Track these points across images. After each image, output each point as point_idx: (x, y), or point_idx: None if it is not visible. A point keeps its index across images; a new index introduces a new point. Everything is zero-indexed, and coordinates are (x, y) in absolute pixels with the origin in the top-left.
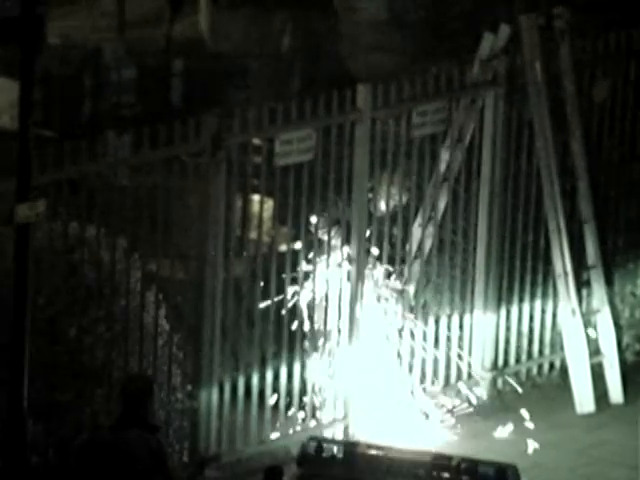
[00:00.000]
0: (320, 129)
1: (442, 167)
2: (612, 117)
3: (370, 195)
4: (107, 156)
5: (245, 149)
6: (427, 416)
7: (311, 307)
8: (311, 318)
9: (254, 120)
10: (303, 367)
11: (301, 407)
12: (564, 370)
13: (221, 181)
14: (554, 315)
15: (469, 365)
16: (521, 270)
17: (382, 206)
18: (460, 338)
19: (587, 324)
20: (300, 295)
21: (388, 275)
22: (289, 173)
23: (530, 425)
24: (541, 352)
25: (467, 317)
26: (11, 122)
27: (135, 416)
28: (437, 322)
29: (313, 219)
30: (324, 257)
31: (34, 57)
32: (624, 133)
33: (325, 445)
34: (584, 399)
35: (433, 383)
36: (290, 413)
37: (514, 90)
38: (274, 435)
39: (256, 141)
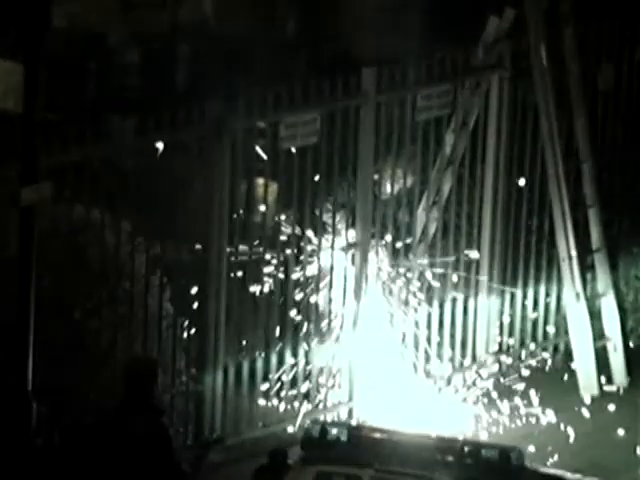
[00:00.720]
0: (325, 113)
1: (447, 151)
2: (617, 101)
3: (376, 177)
4: (112, 140)
5: (249, 133)
6: (431, 399)
7: (316, 290)
8: (316, 301)
9: (259, 104)
10: (308, 350)
11: (305, 390)
12: (568, 353)
13: (225, 165)
14: (558, 299)
15: (474, 348)
16: (525, 254)
17: (387, 190)
18: (465, 321)
19: (591, 308)
20: (305, 278)
21: (392, 258)
22: (293, 157)
23: (534, 408)
24: (545, 336)
25: (472, 300)
26: (15, 105)
27: (139, 399)
28: (442, 306)
29: (318, 203)
30: (329, 241)
31: (39, 40)
32: (629, 117)
33: (329, 428)
34: (588, 382)
35: (437, 366)
36: (294, 396)
37: (519, 74)
38: (278, 418)
39: (260, 125)
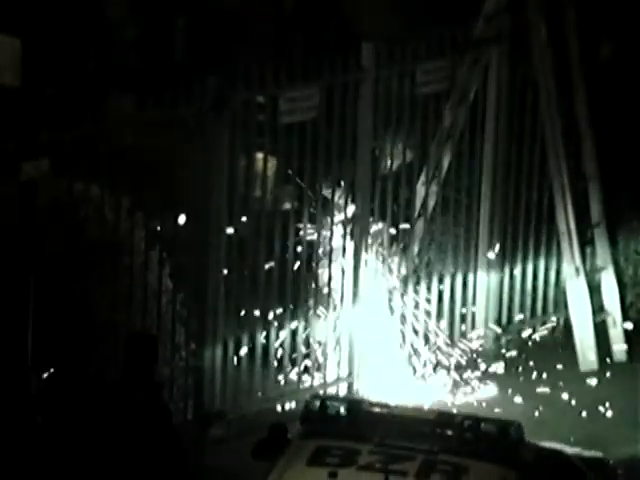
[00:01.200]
0: (324, 88)
1: (446, 125)
2: (617, 76)
3: (375, 152)
4: (111, 115)
5: (249, 107)
6: (431, 374)
7: (315, 265)
8: (315, 276)
9: (258, 78)
10: (307, 325)
11: (305, 365)
12: (568, 328)
13: (225, 139)
14: (558, 273)
15: (473, 323)
16: (525, 228)
17: (386, 165)
18: (464, 296)
19: (591, 282)
20: (304, 253)
21: (392, 234)
22: (293, 132)
23: (534, 383)
24: (545, 310)
25: (471, 275)
26: (13, 79)
27: (139, 374)
28: (441, 281)
29: (317, 178)
30: (328, 215)
31: (36, 14)
32: (629, 93)
33: (329, 403)
34: (587, 357)
35: (437, 341)
36: (294, 371)
37: (518, 49)
38: (278, 393)
39: (260, 99)
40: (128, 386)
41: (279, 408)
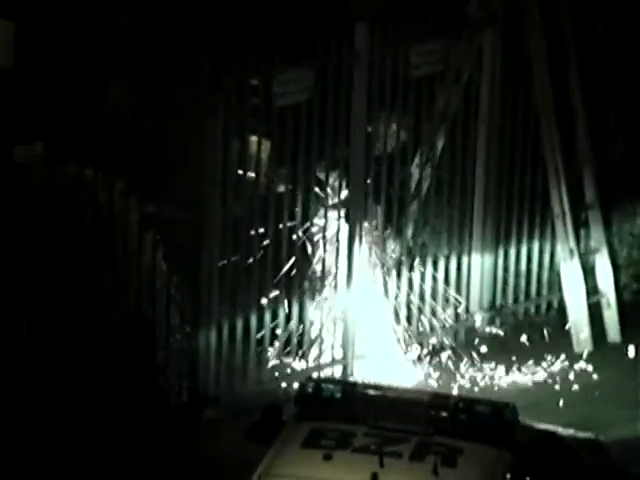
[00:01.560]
0: (318, 70)
1: (440, 107)
2: (611, 57)
3: (369, 134)
4: (106, 98)
5: (243, 90)
6: (425, 356)
7: (310, 248)
8: (310, 259)
9: (252, 60)
10: (302, 308)
11: (300, 348)
12: (562, 310)
13: (219, 122)
14: (552, 255)
15: (467, 305)
16: (519, 210)
17: (380, 147)
18: (458, 279)
19: (585, 264)
20: (298, 236)
21: (386, 216)
22: (287, 114)
23: (528, 364)
24: (539, 292)
25: (465, 258)
26: (7, 62)
27: (135, 359)
28: (435, 263)
29: (311, 160)
30: (322, 198)
31: None
32: (623, 72)
33: (323, 385)
34: (582, 338)
35: (431, 324)
36: (289, 353)
37: (512, 30)
38: (273, 375)
39: (254, 82)
40: (124, 371)
41: (274, 390)
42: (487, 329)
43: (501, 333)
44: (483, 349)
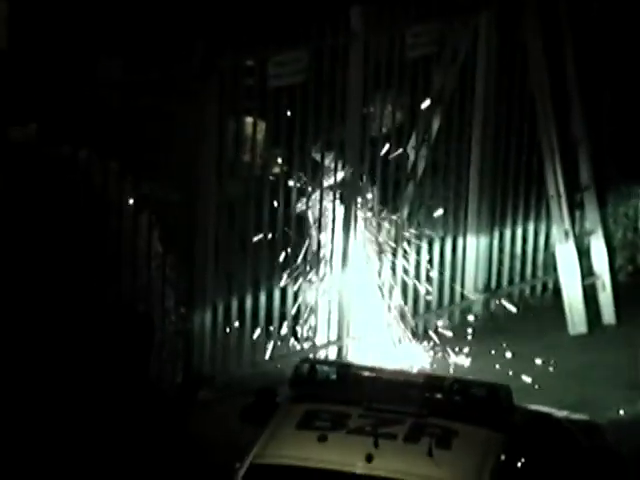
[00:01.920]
0: (313, 51)
1: (436, 89)
2: (608, 39)
3: (364, 116)
4: (100, 78)
5: (237, 71)
6: (420, 338)
7: (305, 229)
8: (305, 240)
9: (247, 42)
10: (297, 289)
11: (295, 329)
12: (557, 291)
13: (214, 104)
14: (547, 237)
15: (462, 287)
16: (514, 192)
17: (376, 128)
18: (453, 260)
19: (580, 246)
20: (294, 217)
21: (381, 197)
22: (282, 95)
23: (523, 346)
24: (534, 274)
25: (460, 239)
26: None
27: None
28: (430, 244)
29: (307, 141)
30: (318, 179)
31: None
32: (620, 54)
33: (318, 367)
34: (577, 320)
35: (426, 305)
36: (283, 335)
37: (507, 11)
38: (267, 357)
39: (248, 63)
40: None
41: (268, 372)
42: (482, 310)
43: (496, 315)
44: (478, 331)
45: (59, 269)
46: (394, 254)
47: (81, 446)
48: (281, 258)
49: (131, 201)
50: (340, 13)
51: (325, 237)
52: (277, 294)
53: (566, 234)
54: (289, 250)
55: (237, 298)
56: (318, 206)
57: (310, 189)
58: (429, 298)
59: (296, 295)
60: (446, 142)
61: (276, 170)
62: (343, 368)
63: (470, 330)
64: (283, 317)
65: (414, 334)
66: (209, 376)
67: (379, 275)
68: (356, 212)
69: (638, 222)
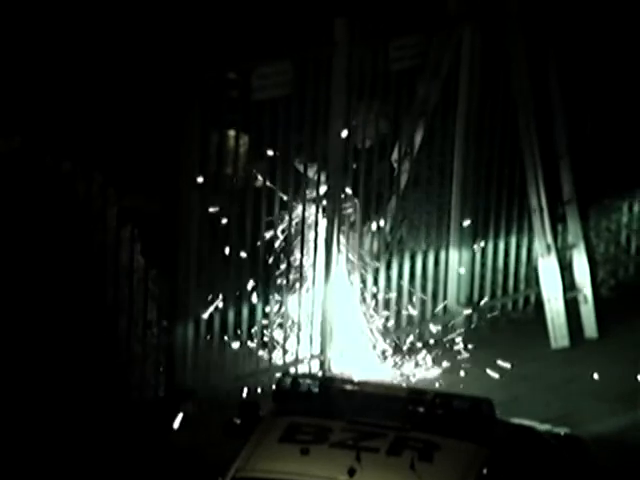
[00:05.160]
0: (297, 64)
1: (419, 102)
2: (590, 51)
3: (348, 128)
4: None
5: (221, 83)
6: (402, 351)
7: (287, 243)
8: (287, 254)
9: (230, 54)
10: (279, 303)
11: (277, 343)
12: (539, 305)
13: (197, 115)
14: (529, 250)
15: (445, 300)
16: (496, 205)
17: (359, 141)
18: (435, 274)
19: (562, 259)
20: (276, 231)
21: (364, 210)
22: (265, 108)
23: (505, 360)
24: (516, 287)
25: (443, 253)
26: None
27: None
28: (413, 258)
29: (290, 154)
30: (300, 192)
31: None
32: (602, 68)
33: (301, 380)
34: (559, 334)
35: (409, 318)
36: (266, 349)
37: (491, 24)
38: (250, 370)
39: (232, 75)
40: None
41: (251, 385)
42: (464, 324)
43: (478, 328)
44: (460, 345)
45: (41, 280)
46: (377, 267)
47: (59, 462)
48: (263, 271)
49: (114, 213)
50: (324, 25)
51: (308, 250)
52: (259, 307)
53: (548, 248)
54: (271, 263)
55: (219, 311)
56: (301, 219)
57: (293, 202)
58: (412, 312)
59: (279, 308)
60: (429, 155)
61: (259, 183)
62: (326, 382)
63: (453, 344)
64: (265, 330)
65: (396, 348)
66: (191, 389)
67: (362, 289)
68: (339, 225)
69: (620, 236)
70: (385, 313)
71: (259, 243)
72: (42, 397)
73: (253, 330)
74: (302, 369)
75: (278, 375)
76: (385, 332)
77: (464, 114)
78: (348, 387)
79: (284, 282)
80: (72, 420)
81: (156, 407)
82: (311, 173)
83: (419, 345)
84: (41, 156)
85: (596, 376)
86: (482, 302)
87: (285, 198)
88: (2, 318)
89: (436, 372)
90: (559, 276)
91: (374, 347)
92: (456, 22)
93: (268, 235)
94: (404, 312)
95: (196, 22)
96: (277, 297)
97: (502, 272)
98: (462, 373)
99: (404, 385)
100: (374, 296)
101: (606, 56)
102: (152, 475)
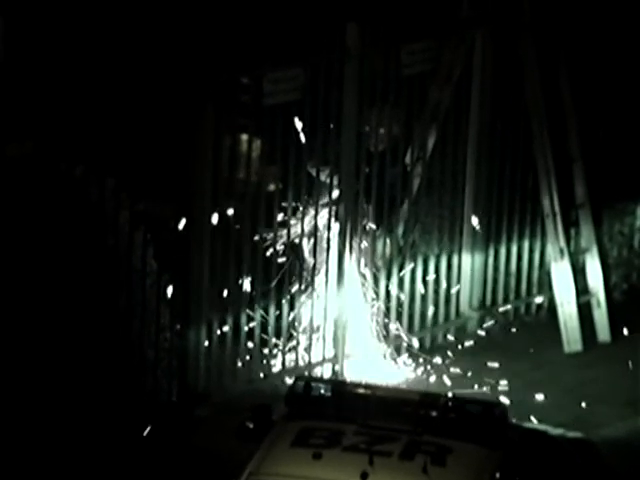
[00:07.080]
0: (309, 69)
1: (431, 106)
2: (602, 55)
3: (360, 133)
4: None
5: (234, 88)
6: (415, 355)
7: (300, 247)
8: (300, 258)
9: (242, 59)
10: (292, 306)
11: (290, 346)
12: (552, 309)
13: (209, 120)
14: (542, 254)
15: (457, 305)
16: (509, 209)
17: (371, 145)
18: (448, 278)
19: (575, 263)
20: (289, 235)
21: (377, 214)
22: (278, 113)
23: (518, 364)
24: (529, 291)
25: (455, 257)
26: None
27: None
28: (425, 262)
29: (302, 158)
30: (313, 196)
31: None
32: (615, 71)
33: (313, 384)
34: (572, 338)
35: (422, 322)
36: (279, 352)
37: (503, 29)
38: (263, 374)
39: (244, 80)
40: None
41: (264, 389)
42: (477, 328)
43: (491, 332)
44: (473, 348)
45: (54, 284)
46: (389, 272)
47: (73, 465)
48: (277, 275)
49: (127, 218)
50: (336, 30)
51: (321, 254)
52: (272, 311)
53: (561, 252)
54: (285, 267)
55: (232, 315)
56: (313, 223)
57: (305, 206)
58: (425, 315)
59: (292, 312)
60: (441, 159)
61: (271, 187)
62: (338, 385)
63: (465, 347)
64: (279, 334)
65: (409, 351)
66: (204, 393)
67: (374, 293)
68: (352, 229)
69: (633, 240)
70: (398, 317)
71: (271, 247)
72: (56, 401)
73: (266, 334)
74: (315, 373)
75: (291, 379)
76: (398, 336)
77: (476, 118)
78: (361, 391)
79: (297, 286)
80: (85, 424)
81: (169, 411)
82: (323, 177)
83: (432, 348)
84: (54, 161)
85: (609, 380)
86: (495, 306)
87: (298, 202)
88: (16, 322)
89: (448, 375)
90: (572, 280)
91: (387, 351)
92: (468, 27)
93: (281, 239)
94: (417, 316)
95: (209, 27)
96: (291, 301)
97: (515, 276)
98: (475, 377)
99: (417, 389)
100: (387, 300)
101: (618, 60)
102: (165, 478)
